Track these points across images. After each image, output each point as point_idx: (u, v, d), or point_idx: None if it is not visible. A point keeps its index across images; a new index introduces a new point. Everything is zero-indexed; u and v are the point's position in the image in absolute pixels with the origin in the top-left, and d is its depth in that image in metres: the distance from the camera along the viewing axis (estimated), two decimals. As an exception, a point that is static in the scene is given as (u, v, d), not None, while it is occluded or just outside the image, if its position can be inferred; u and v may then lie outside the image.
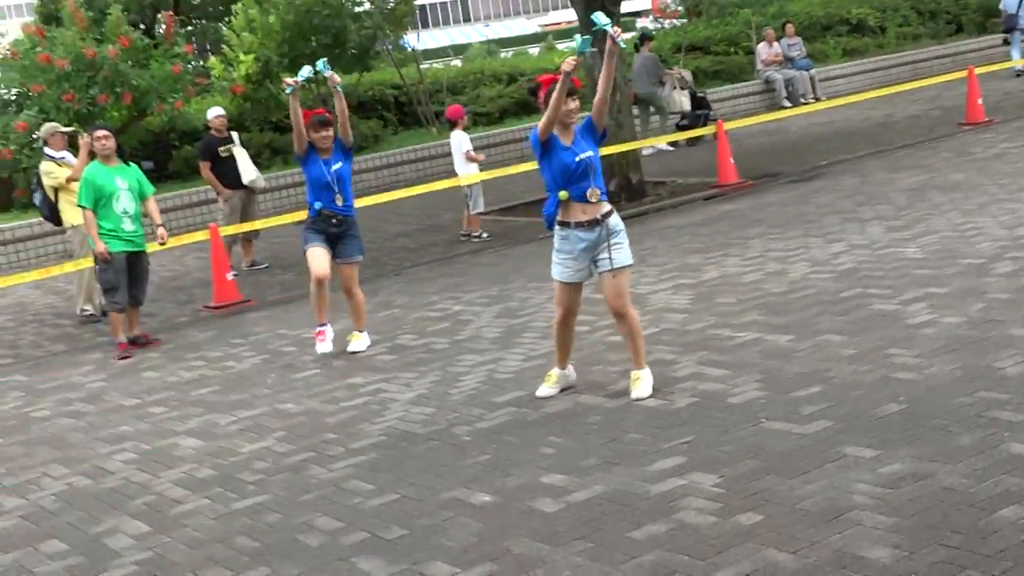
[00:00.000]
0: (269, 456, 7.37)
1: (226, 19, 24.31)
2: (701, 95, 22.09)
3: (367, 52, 21.42)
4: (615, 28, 7.14)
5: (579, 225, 7.26)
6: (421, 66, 24.02)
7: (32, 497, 7.24)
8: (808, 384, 7.13)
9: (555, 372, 7.74)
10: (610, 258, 7.28)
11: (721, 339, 8.43)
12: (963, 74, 19.07)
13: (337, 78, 9.54)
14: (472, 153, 14.37)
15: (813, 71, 24.50)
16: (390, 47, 24.22)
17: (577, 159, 7.19)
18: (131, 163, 11.29)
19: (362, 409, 8.09)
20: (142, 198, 11.00)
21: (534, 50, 34.50)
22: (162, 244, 11.35)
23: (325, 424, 7.88)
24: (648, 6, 33.55)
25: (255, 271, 14.63)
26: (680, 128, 21.34)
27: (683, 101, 21.70)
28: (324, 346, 9.53)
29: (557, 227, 7.38)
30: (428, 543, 5.66)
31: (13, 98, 19.40)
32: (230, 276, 12.69)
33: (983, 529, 4.91)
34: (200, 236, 13.71)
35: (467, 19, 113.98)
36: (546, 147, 7.29)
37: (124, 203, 10.75)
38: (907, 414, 6.39)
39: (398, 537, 5.79)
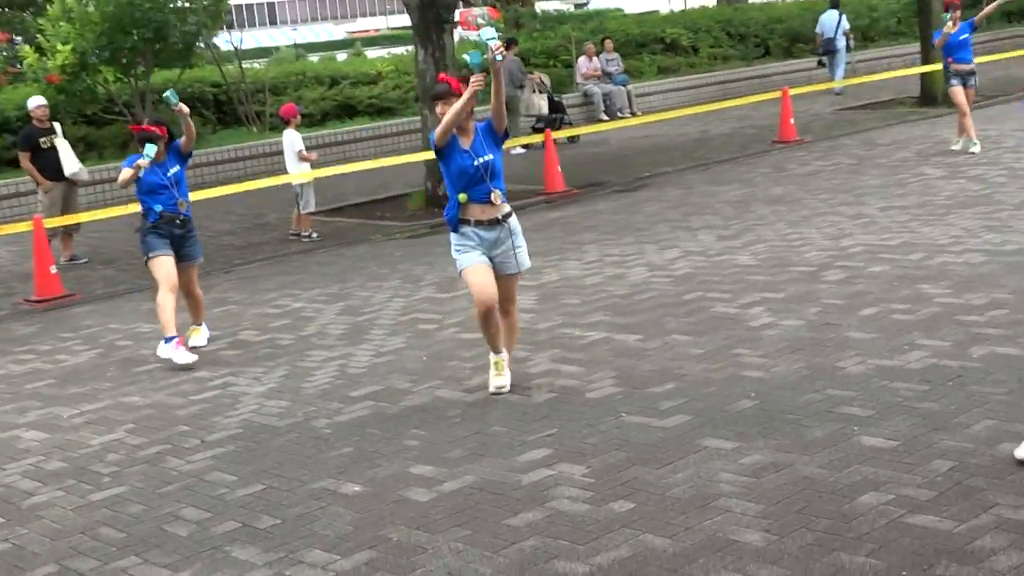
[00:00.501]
0: (122, 448, 7.21)
1: (42, 7, 23.50)
2: (557, 99, 22.81)
3: (190, 48, 20.97)
4: (497, 44, 7.08)
5: (479, 223, 7.23)
6: (241, 65, 23.63)
7: None
8: (662, 381, 7.36)
9: (500, 359, 7.54)
10: (516, 262, 7.38)
11: (571, 338, 8.62)
12: (775, 95, 19.87)
13: (185, 109, 9.19)
14: (304, 152, 14.26)
15: (630, 86, 25.09)
16: (211, 44, 23.76)
17: (476, 163, 7.16)
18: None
19: (213, 402, 7.98)
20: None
21: (342, 56, 34.25)
22: None
23: (176, 417, 7.74)
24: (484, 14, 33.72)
25: (75, 266, 14.20)
26: (535, 131, 21.56)
27: (542, 104, 22.40)
28: (186, 355, 9.00)
29: (459, 226, 7.32)
30: (302, 532, 5.65)
31: None
32: (53, 269, 12.29)
33: (846, 514, 5.18)
34: (16, 228, 13.29)
35: (274, 22, 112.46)
36: (444, 150, 7.26)
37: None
38: (760, 409, 6.67)
39: (271, 526, 5.76)
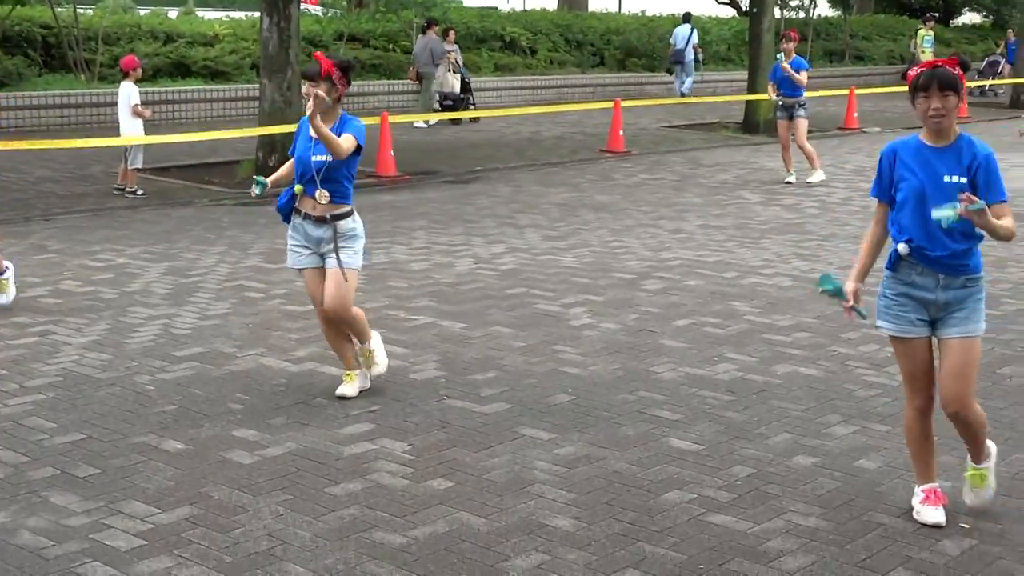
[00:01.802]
0: (-66, 387, 7.09)
1: None
2: (467, 81, 23.76)
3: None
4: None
5: (307, 216, 6.82)
6: (76, 10, 22.97)
7: None
8: (484, 369, 7.59)
9: (350, 373, 7.12)
10: (337, 258, 6.87)
11: (398, 320, 8.78)
12: (607, 104, 20.40)
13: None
14: (139, 108, 14.04)
15: (468, 79, 25.32)
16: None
17: (313, 158, 6.73)
18: None
19: (32, 349, 7.88)
20: None
21: (173, 13, 33.44)
22: None
23: (-7, 360, 7.64)
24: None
25: None
26: (444, 108, 23.09)
27: (454, 83, 23.46)
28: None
29: (292, 216, 6.96)
30: (123, 483, 5.68)
31: None
32: None
33: (652, 508, 5.49)
34: None
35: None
36: (296, 134, 7.04)
37: None
38: (576, 404, 6.95)
39: (90, 475, 5.77)
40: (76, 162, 16.51)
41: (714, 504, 5.53)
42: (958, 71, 5.03)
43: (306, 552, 5.01)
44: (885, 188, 5.30)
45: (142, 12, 31.45)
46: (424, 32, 23.69)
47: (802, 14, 34.00)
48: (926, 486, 5.50)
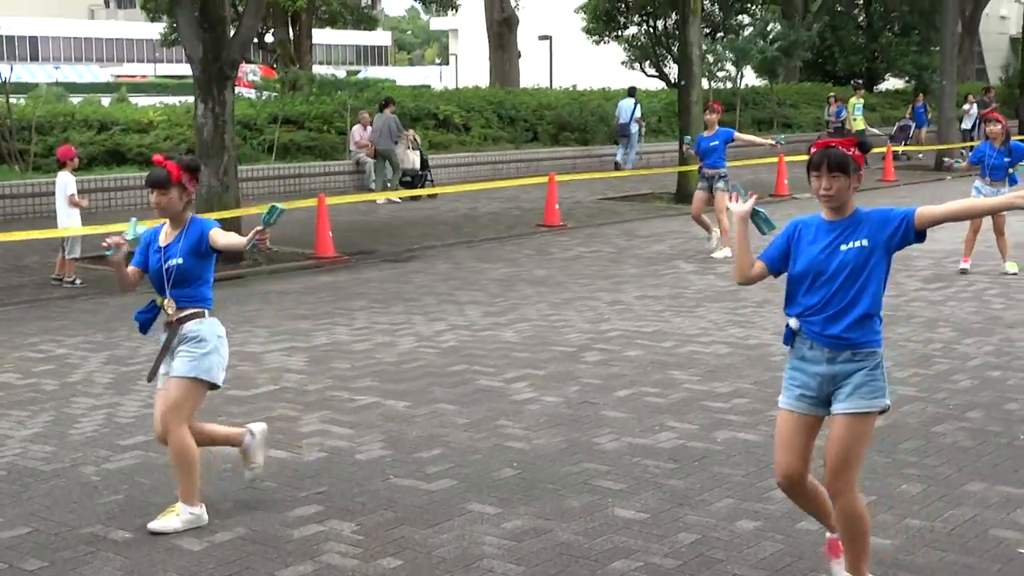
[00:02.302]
0: None
1: None
2: (425, 158, 24.72)
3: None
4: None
5: (165, 324, 6.48)
6: (8, 100, 22.97)
7: None
8: (430, 446, 7.66)
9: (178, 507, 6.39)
10: (171, 364, 6.42)
11: (342, 400, 8.84)
12: (541, 179, 20.69)
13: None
14: (76, 198, 14.06)
15: (426, 157, 25.54)
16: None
17: (166, 265, 6.35)
18: None
19: (-31, 446, 7.86)
20: None
21: (106, 100, 33.47)
22: None
23: (-70, 456, 7.60)
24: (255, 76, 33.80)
25: None
26: (404, 185, 23.83)
27: (414, 159, 24.38)
28: None
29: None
30: (72, 575, 5.69)
31: None
32: None
33: (599, 578, 5.59)
34: None
35: (36, 58, 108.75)
36: (140, 248, 6.60)
37: None
38: (522, 478, 7.04)
39: (39, 569, 5.77)
40: (12, 253, 16.44)
41: (660, 571, 5.63)
42: (854, 151, 5.11)
43: (259, 636, 5.05)
44: (772, 255, 5.38)
45: (75, 100, 31.56)
46: (382, 110, 24.48)
47: (729, 84, 34.69)
48: (831, 536, 5.51)
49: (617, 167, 28.22)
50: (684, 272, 14.74)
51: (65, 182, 14.02)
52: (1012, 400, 8.69)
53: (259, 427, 6.90)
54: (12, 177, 20.95)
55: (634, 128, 29.19)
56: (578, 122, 31.26)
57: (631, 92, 30.14)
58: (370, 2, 55.28)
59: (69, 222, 14.06)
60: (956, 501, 6.62)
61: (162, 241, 6.43)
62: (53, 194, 14.51)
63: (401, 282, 14.29)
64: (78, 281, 14.13)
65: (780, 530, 6.15)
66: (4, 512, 6.56)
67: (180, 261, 6.32)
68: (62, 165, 14.17)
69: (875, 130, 33.77)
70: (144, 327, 6.62)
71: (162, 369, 6.51)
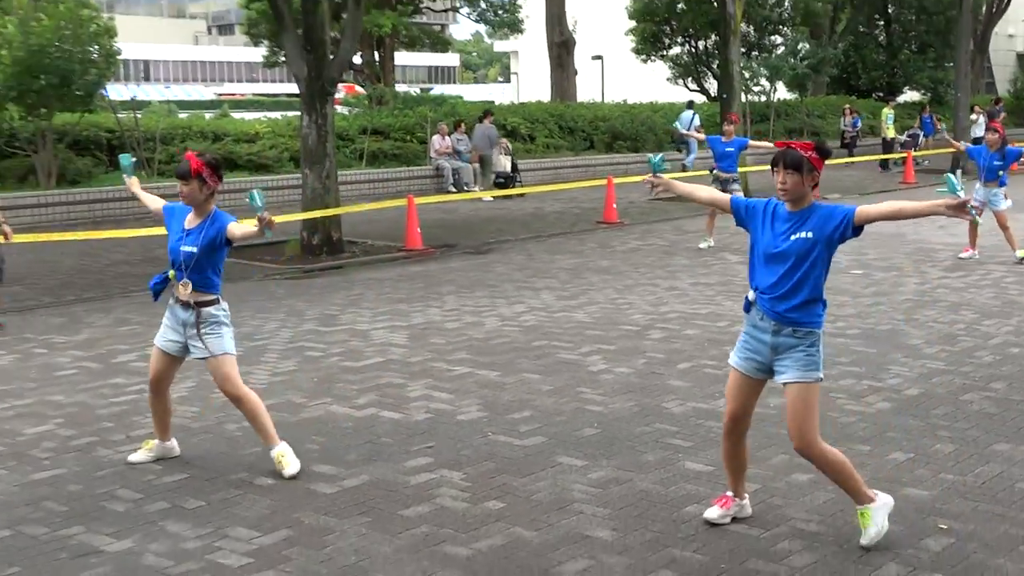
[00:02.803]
0: (54, 438, 7.32)
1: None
2: (515, 162, 25.63)
3: (90, 95, 20.82)
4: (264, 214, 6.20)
5: (176, 301, 6.56)
6: (136, 115, 23.46)
7: None
8: (520, 409, 7.84)
9: (154, 442, 6.88)
10: (204, 346, 6.53)
11: (441, 370, 9.03)
12: (600, 182, 20.79)
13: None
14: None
15: (475, 164, 25.76)
16: (106, 93, 23.51)
17: (182, 248, 6.45)
18: None
19: (131, 405, 8.10)
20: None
21: (209, 114, 33.86)
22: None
23: (100, 415, 7.86)
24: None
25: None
26: (498, 186, 24.65)
27: (505, 164, 25.21)
28: None
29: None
30: (226, 513, 5.94)
31: None
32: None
33: (676, 520, 5.74)
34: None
35: (148, 79, 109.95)
36: (167, 220, 6.77)
37: None
38: (602, 436, 7.20)
39: (198, 507, 6.02)
40: (144, 247, 16.80)
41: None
42: (811, 154, 5.25)
43: (389, 564, 5.26)
44: (744, 205, 5.58)
45: (182, 115, 32.04)
46: (481, 120, 25.65)
47: (764, 97, 34.59)
48: (726, 493, 5.77)
49: (684, 169, 28.22)
50: (731, 263, 14.78)
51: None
52: (1030, 373, 8.74)
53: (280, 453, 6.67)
54: (142, 181, 21.33)
55: (690, 123, 29.47)
56: (629, 132, 31.28)
57: (690, 105, 30.55)
58: (441, 27, 55.73)
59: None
60: (985, 459, 6.70)
61: (186, 224, 6.53)
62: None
63: (482, 271, 14.47)
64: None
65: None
66: (163, 462, 6.82)
67: (195, 251, 6.38)
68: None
69: (903, 137, 33.44)
70: (156, 296, 6.74)
71: (166, 343, 6.66)
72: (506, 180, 24.89)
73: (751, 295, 5.45)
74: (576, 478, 6.42)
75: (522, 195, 24.04)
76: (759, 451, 6.83)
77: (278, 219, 16.81)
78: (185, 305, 6.52)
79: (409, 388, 8.49)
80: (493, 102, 45.31)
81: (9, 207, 18.80)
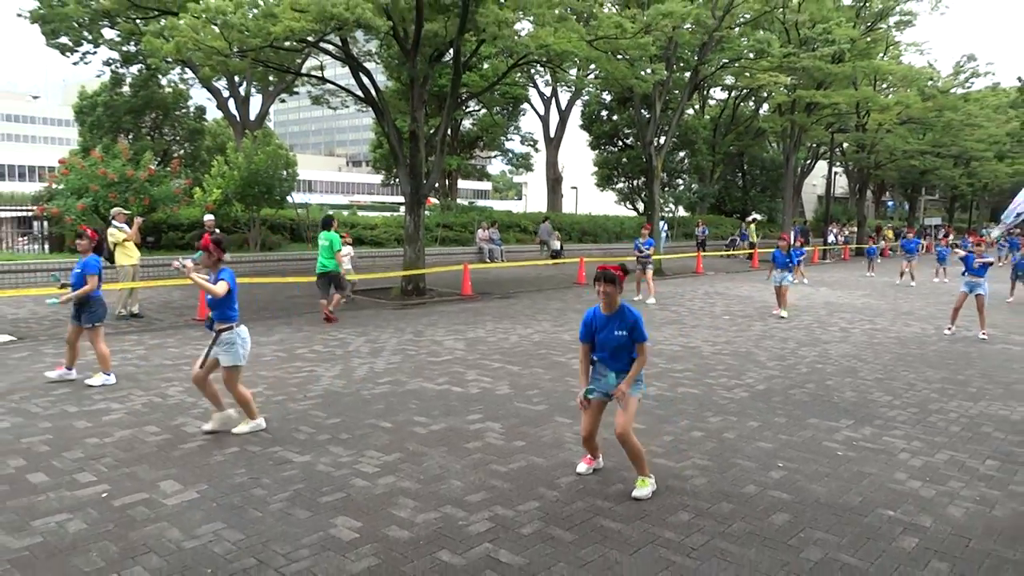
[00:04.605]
0: (261, 396, 7.32)
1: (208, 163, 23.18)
2: (562, 245, 26.59)
3: (283, 198, 21.08)
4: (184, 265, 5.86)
5: (205, 320, 6.15)
6: (308, 210, 23.73)
7: None
8: (532, 388, 7.80)
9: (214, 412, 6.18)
10: (218, 351, 5.99)
11: (485, 365, 8.97)
12: (574, 260, 20.69)
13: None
14: (340, 255, 13.77)
15: (503, 247, 25.80)
16: (292, 199, 23.72)
17: (207, 295, 5.90)
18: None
19: (307, 376, 8.06)
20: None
21: (345, 213, 33.63)
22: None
23: (290, 382, 7.90)
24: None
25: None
26: (552, 257, 25.40)
27: (556, 246, 26.15)
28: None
29: None
30: (364, 442, 5.95)
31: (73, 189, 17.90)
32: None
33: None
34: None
35: (309, 191, 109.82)
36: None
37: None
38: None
39: (348, 438, 6.04)
40: (310, 289, 16.88)
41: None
42: (619, 273, 4.86)
43: (458, 474, 5.29)
44: (585, 336, 5.05)
45: (329, 212, 32.02)
46: (543, 222, 26.42)
47: (671, 214, 34.62)
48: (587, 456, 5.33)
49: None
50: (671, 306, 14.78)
51: (331, 240, 13.85)
52: (826, 382, 8.71)
53: (257, 422, 6.19)
54: (307, 249, 21.58)
55: (664, 230, 29.07)
56: (591, 230, 31.35)
57: (663, 219, 30.76)
58: (483, 166, 55.98)
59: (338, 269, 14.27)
60: (803, 427, 6.72)
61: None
62: (314, 257, 14.50)
63: (507, 308, 14.45)
64: (344, 301, 14.37)
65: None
66: (327, 410, 6.90)
67: (209, 298, 5.94)
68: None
69: (734, 236, 33.40)
70: (209, 327, 6.10)
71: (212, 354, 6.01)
72: (555, 254, 25.65)
73: (596, 359, 5.02)
74: (566, 430, 6.48)
75: (564, 262, 23.71)
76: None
77: (388, 275, 16.91)
78: (211, 328, 6.01)
79: (467, 374, 8.52)
80: (510, 211, 45.37)
81: (234, 263, 19.04)
